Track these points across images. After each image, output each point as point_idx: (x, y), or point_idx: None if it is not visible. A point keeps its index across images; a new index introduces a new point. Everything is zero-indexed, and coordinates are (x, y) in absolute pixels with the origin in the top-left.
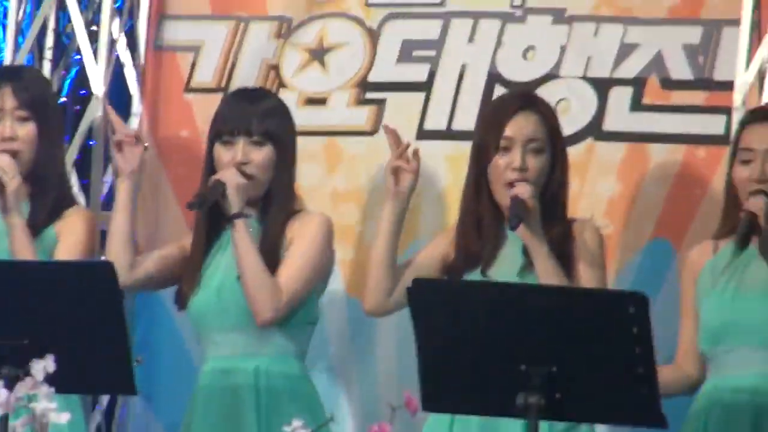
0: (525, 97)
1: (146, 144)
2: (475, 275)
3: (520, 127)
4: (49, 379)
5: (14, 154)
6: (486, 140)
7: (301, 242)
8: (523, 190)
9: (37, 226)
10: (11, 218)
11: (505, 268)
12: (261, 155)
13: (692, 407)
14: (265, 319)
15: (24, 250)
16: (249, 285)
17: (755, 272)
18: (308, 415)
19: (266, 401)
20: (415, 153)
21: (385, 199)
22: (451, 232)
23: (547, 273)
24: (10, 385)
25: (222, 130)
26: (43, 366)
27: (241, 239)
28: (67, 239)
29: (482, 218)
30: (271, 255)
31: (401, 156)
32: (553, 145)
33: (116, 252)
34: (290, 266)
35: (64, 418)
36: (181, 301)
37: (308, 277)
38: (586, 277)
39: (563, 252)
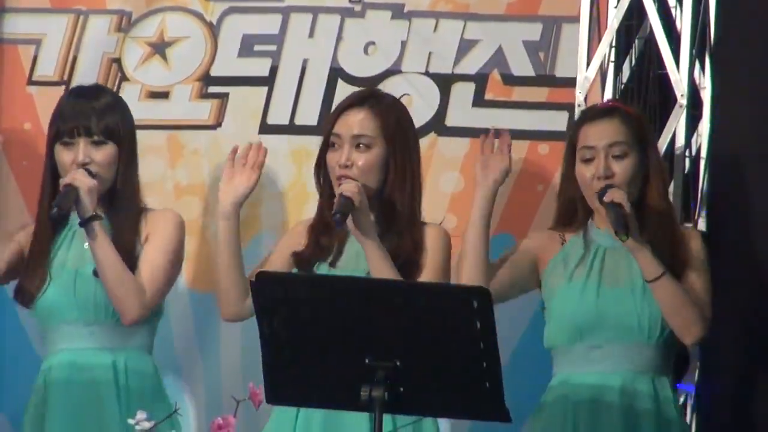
0: (359, 94)
1: None
2: (323, 268)
3: (346, 123)
4: None
5: None
6: (325, 136)
7: (157, 240)
8: (350, 187)
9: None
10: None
11: (352, 263)
12: (103, 154)
13: (545, 398)
14: (132, 318)
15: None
16: (112, 286)
17: (612, 268)
18: (161, 408)
19: (126, 396)
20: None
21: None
22: (300, 226)
23: (378, 266)
24: None
25: (62, 129)
26: None
27: (100, 242)
28: None
29: (328, 213)
30: (127, 253)
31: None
32: (386, 139)
33: None
34: (150, 264)
35: None
36: (26, 298)
37: (169, 275)
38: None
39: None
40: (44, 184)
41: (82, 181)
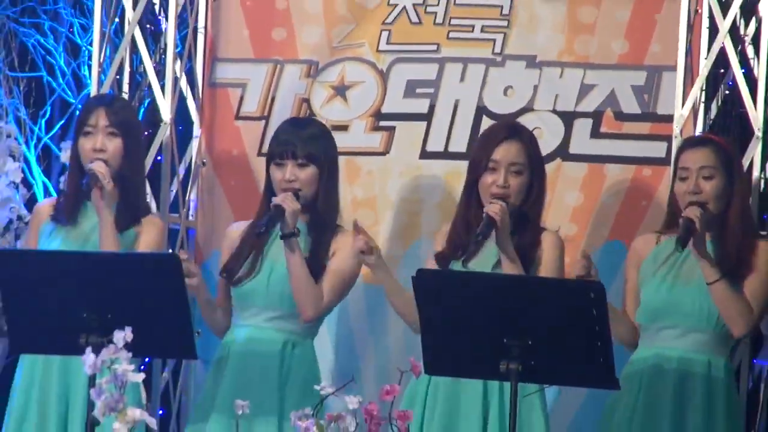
0: (511, 128)
1: (205, 160)
2: (457, 265)
3: (506, 151)
4: (128, 346)
5: (105, 163)
6: (478, 160)
7: (341, 259)
8: (496, 209)
9: (119, 228)
10: (105, 215)
11: (481, 263)
12: (305, 174)
13: (626, 369)
14: (308, 318)
15: (110, 243)
16: (298, 290)
17: (690, 268)
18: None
19: (287, 372)
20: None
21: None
22: (442, 232)
23: (510, 271)
24: (96, 351)
25: (274, 153)
26: (123, 335)
27: (293, 254)
28: (146, 239)
29: (471, 222)
30: (318, 263)
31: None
32: (532, 167)
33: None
34: (334, 277)
35: (139, 377)
36: (234, 280)
37: (343, 289)
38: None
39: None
40: (264, 194)
41: (289, 204)
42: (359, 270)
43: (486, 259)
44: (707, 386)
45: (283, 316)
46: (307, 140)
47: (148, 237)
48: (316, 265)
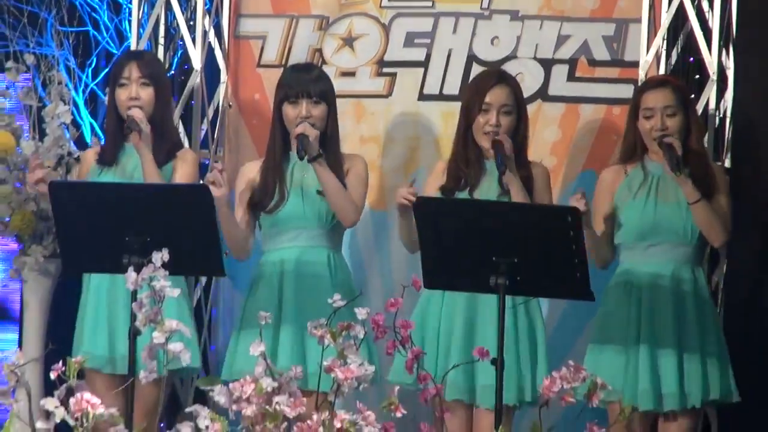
0: (500, 74)
1: (231, 103)
2: (463, 195)
3: (497, 95)
4: (165, 266)
5: (138, 108)
6: (472, 104)
7: (356, 174)
8: (503, 139)
9: (158, 163)
10: (145, 154)
11: (485, 192)
12: (319, 111)
13: (612, 282)
14: (353, 221)
15: (154, 177)
16: (337, 200)
17: (665, 190)
18: (348, 292)
19: (335, 282)
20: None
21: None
22: (440, 167)
23: (518, 195)
24: (137, 270)
25: (289, 93)
26: (160, 256)
27: (325, 172)
28: (182, 170)
29: (469, 157)
30: (339, 180)
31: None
32: (518, 108)
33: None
34: (355, 188)
35: (176, 292)
36: (269, 209)
37: (364, 196)
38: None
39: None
40: (273, 132)
41: (311, 131)
42: (367, 184)
43: (489, 190)
44: (696, 295)
45: (322, 233)
46: (317, 81)
47: (183, 168)
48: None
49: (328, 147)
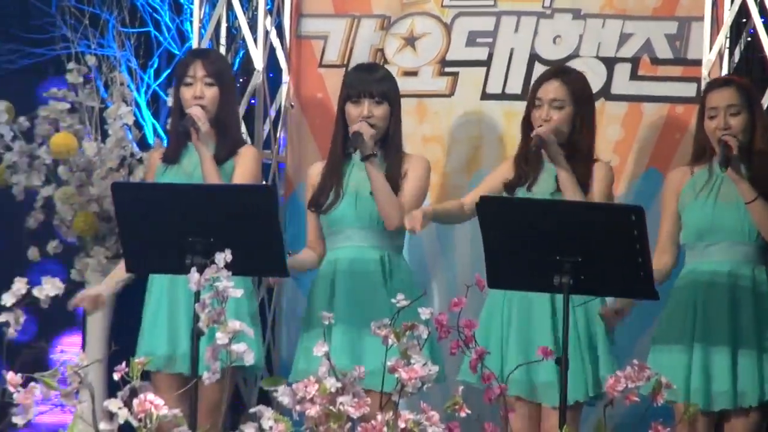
0: (554, 69)
1: (293, 103)
2: (522, 191)
3: (546, 90)
4: (228, 266)
5: (202, 108)
6: (529, 100)
7: (413, 176)
8: (541, 130)
9: (219, 160)
10: (203, 152)
11: (541, 189)
12: (380, 110)
13: (676, 284)
14: (393, 225)
15: (212, 176)
16: (383, 201)
17: (727, 190)
18: (409, 292)
19: (390, 282)
20: None
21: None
22: (507, 163)
23: (571, 193)
24: (200, 270)
25: (351, 93)
26: (223, 257)
27: (374, 172)
28: (242, 168)
29: (528, 154)
30: (394, 182)
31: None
32: (574, 102)
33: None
34: (408, 192)
35: (238, 293)
36: (323, 209)
37: (419, 199)
38: None
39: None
40: (336, 132)
41: (366, 129)
42: (427, 185)
43: (546, 186)
44: (754, 293)
45: (375, 234)
46: (380, 81)
47: (243, 165)
48: (393, 184)
49: (389, 147)
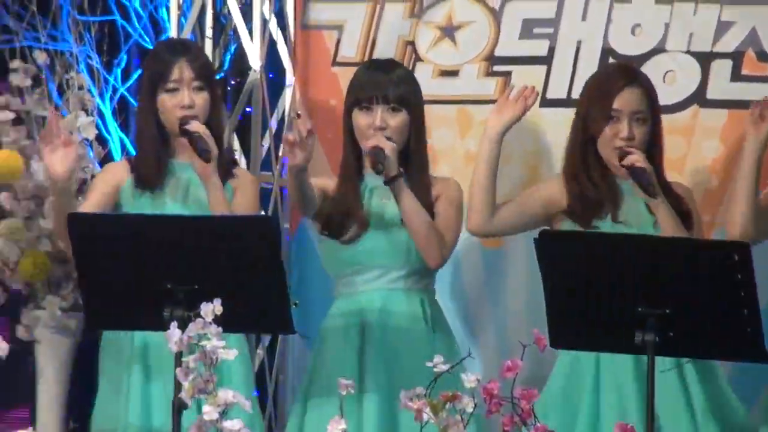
0: (629, 71)
1: (299, 111)
2: (605, 223)
3: (627, 100)
4: (217, 320)
5: (192, 119)
6: (596, 111)
7: (448, 203)
8: (638, 158)
9: None
10: (215, 181)
11: (635, 220)
12: (397, 120)
13: None
14: (437, 263)
15: (222, 207)
16: (421, 236)
17: None
18: (449, 352)
19: (431, 336)
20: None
21: (481, 140)
22: (553, 182)
23: (671, 227)
24: (182, 326)
25: (360, 97)
26: (211, 308)
27: (407, 196)
28: (244, 196)
29: (592, 175)
30: (425, 208)
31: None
32: (653, 114)
33: None
34: (447, 222)
35: (231, 354)
36: (346, 239)
37: (458, 232)
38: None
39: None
40: (346, 145)
41: (387, 144)
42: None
43: (638, 218)
44: None
45: (411, 274)
46: (398, 83)
47: (245, 192)
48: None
49: (410, 167)
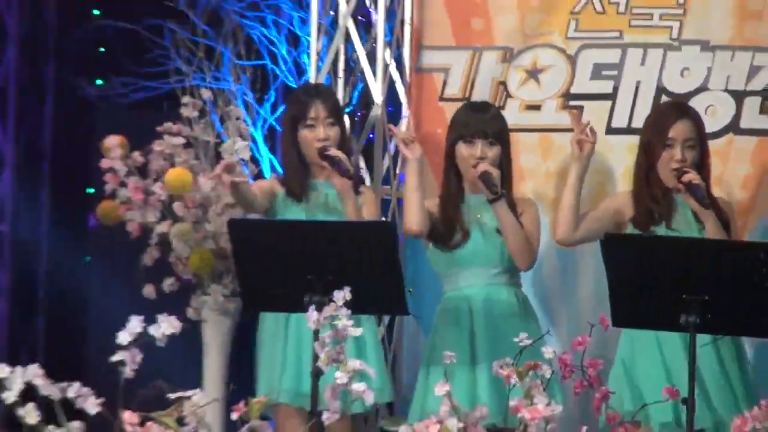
0: (681, 107)
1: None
2: (660, 229)
3: (680, 130)
4: (347, 304)
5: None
6: (654, 141)
7: (530, 219)
8: (694, 176)
9: None
10: (352, 197)
11: (683, 226)
12: (494, 151)
13: None
14: (527, 267)
15: (356, 215)
16: (517, 243)
17: None
18: (534, 330)
19: (525, 319)
20: (592, 129)
21: (571, 163)
22: (619, 196)
23: (715, 232)
24: (319, 309)
25: (464, 133)
26: (343, 295)
27: (507, 212)
28: (369, 210)
29: (655, 192)
30: None
31: (582, 131)
32: (701, 141)
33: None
34: (532, 234)
35: (357, 331)
36: (452, 245)
37: (539, 241)
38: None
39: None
40: (448, 170)
41: (493, 169)
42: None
43: (686, 225)
44: None
45: (504, 272)
46: (493, 121)
47: (370, 206)
48: None
49: (505, 189)
